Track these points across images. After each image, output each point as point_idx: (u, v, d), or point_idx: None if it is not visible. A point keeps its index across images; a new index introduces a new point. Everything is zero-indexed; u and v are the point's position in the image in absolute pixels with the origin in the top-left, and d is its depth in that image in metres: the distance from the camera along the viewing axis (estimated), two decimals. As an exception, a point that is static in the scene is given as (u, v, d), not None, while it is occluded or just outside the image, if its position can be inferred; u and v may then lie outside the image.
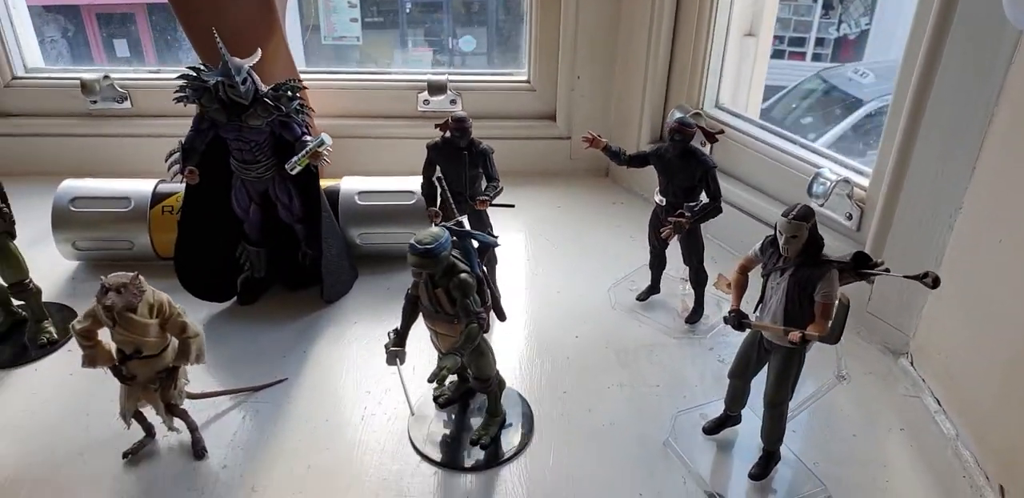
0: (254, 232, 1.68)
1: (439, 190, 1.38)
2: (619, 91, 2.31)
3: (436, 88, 2.31)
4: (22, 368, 1.52)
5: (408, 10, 4.21)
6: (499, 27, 3.48)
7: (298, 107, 1.52)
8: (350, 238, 1.83)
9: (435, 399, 1.42)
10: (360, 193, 1.83)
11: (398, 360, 1.24)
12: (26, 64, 2.40)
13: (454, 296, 1.18)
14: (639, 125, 2.26)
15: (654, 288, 1.74)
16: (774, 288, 1.17)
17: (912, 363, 1.56)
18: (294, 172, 1.49)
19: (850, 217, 1.69)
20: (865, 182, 1.68)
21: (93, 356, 1.21)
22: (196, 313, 1.66)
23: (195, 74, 1.50)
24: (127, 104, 2.35)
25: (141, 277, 1.18)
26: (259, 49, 1.53)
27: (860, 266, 1.17)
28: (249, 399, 1.44)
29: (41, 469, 1.27)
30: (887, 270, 1.16)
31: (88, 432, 1.35)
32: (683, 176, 1.53)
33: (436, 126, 1.60)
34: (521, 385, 1.48)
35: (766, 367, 1.25)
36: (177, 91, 1.51)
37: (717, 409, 1.37)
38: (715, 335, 1.65)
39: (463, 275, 1.18)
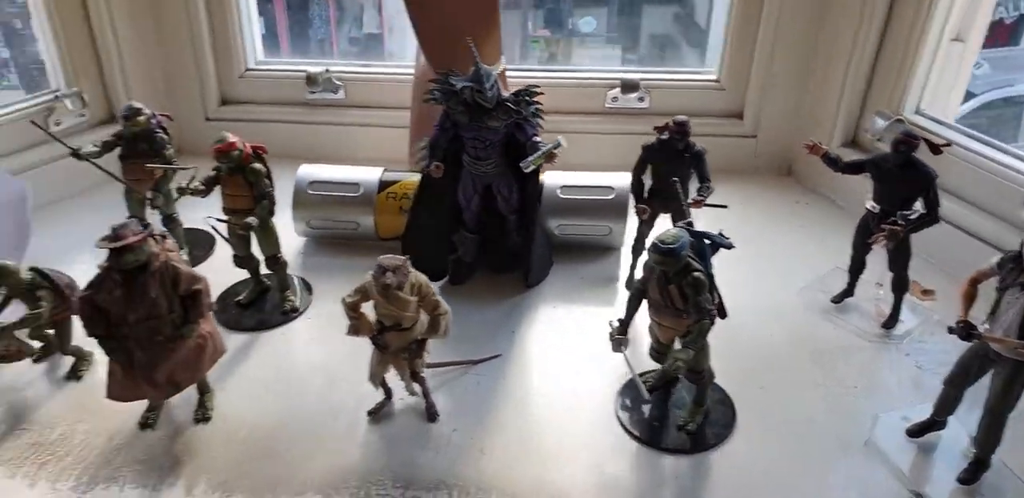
0: (472, 220, 1.84)
1: (678, 192, 1.48)
2: (814, 92, 2.31)
3: (629, 86, 2.40)
4: (268, 332, 1.74)
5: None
6: (620, 8, 3.48)
7: (535, 111, 1.65)
8: (548, 228, 1.96)
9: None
10: (562, 187, 1.96)
11: (623, 347, 1.36)
12: (257, 57, 2.67)
13: (687, 293, 1.27)
14: (832, 128, 2.25)
15: (849, 291, 1.77)
16: (1011, 303, 1.19)
17: None
18: (528, 170, 1.62)
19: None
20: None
21: (358, 326, 1.39)
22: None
23: (444, 79, 1.65)
24: (340, 94, 2.58)
25: (408, 261, 1.34)
26: (503, 57, 1.66)
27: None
28: (469, 371, 1.60)
29: (297, 422, 1.47)
30: None
31: (333, 391, 1.55)
32: (902, 186, 1.55)
33: (655, 128, 1.69)
34: (721, 379, 1.56)
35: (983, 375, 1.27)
36: (426, 93, 1.67)
37: (919, 414, 1.40)
38: (911, 341, 1.66)
39: (697, 273, 1.27)
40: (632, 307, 1.38)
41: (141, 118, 1.83)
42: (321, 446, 1.41)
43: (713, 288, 1.33)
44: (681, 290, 1.29)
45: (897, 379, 1.56)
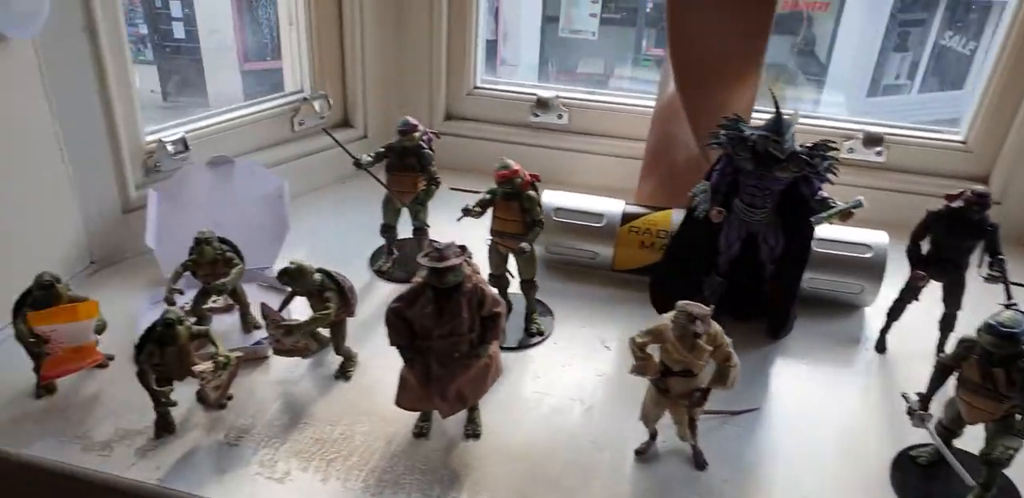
0: (725, 265, 1.82)
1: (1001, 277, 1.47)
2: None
3: (872, 140, 2.35)
4: (518, 352, 1.78)
5: (648, 9, 4.21)
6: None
7: (828, 166, 1.62)
8: (798, 281, 1.92)
9: (914, 458, 1.47)
10: (818, 239, 1.91)
11: (926, 423, 1.31)
12: (482, 76, 2.75)
13: (1015, 379, 1.22)
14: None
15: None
16: None
17: None
18: (819, 225, 1.59)
19: None
20: None
21: (644, 367, 1.40)
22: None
23: (733, 124, 1.64)
24: (565, 120, 2.62)
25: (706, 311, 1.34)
26: (796, 111, 1.63)
27: None
28: (728, 422, 1.58)
29: (565, 450, 1.49)
30: None
31: (591, 421, 1.56)
32: None
33: (946, 196, 1.63)
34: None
35: None
36: (711, 136, 1.67)
37: None
38: None
39: (1030, 361, 1.22)
40: (936, 383, 1.34)
41: (416, 134, 1.91)
42: (593, 478, 1.42)
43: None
44: (1008, 375, 1.23)
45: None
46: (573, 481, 1.42)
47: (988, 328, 1.21)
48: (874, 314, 1.90)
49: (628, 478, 1.43)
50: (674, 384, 1.40)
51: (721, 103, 1.98)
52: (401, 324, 1.40)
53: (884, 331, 1.81)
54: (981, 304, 1.73)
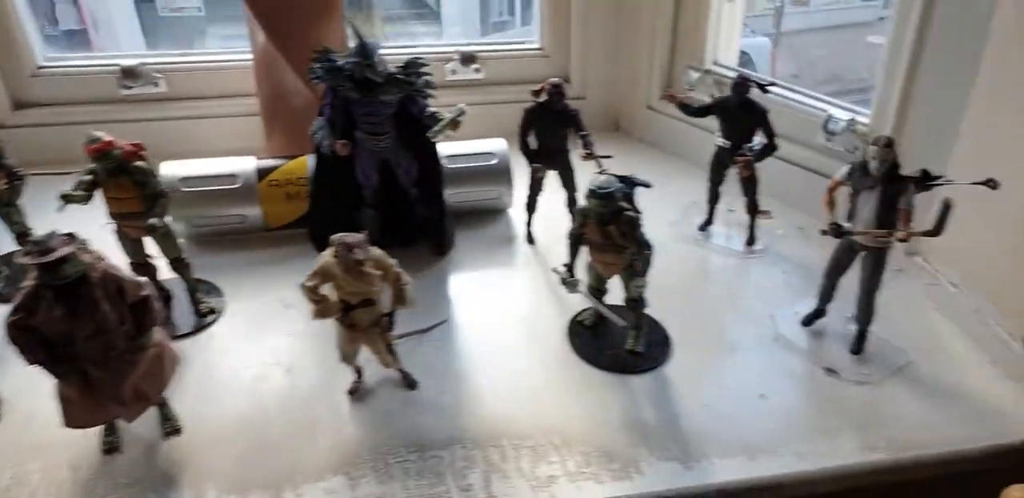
0: (372, 196, 1.86)
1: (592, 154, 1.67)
2: (627, 53, 2.59)
3: (468, 58, 2.51)
4: (190, 339, 1.65)
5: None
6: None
7: (426, 81, 1.70)
8: (441, 198, 2.03)
9: (580, 322, 1.68)
10: (448, 157, 2.03)
11: (578, 287, 1.50)
12: (44, 53, 2.38)
13: (624, 230, 1.45)
14: (648, 85, 2.55)
15: (711, 219, 2.07)
16: (865, 202, 1.50)
17: (926, 259, 1.96)
18: (436, 139, 1.68)
19: (854, 150, 2.05)
20: (866, 120, 2.05)
21: (324, 309, 1.39)
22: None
23: (325, 56, 1.64)
24: (163, 87, 2.40)
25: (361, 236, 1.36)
26: (379, 35, 1.69)
27: (926, 179, 1.52)
28: (423, 340, 1.65)
29: (281, 414, 1.45)
30: (950, 181, 1.51)
31: (295, 380, 1.53)
32: (744, 122, 1.84)
33: (532, 92, 1.82)
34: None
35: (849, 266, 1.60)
36: (309, 72, 1.65)
37: (804, 307, 1.71)
38: (770, 253, 1.99)
39: (630, 213, 1.45)
40: (573, 250, 1.54)
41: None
42: (317, 431, 1.41)
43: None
44: (620, 228, 1.46)
45: (772, 284, 1.87)
46: (298, 440, 1.39)
47: (590, 193, 1.42)
48: (517, 214, 2.10)
49: (349, 419, 1.44)
50: (359, 317, 1.41)
51: (314, 42, 1.96)
52: (29, 337, 1.20)
53: (528, 225, 2.01)
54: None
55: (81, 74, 2.37)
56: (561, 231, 1.95)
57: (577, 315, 1.71)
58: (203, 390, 1.50)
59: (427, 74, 1.71)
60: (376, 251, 1.40)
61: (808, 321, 1.70)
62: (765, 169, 2.21)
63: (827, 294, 1.67)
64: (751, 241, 2.01)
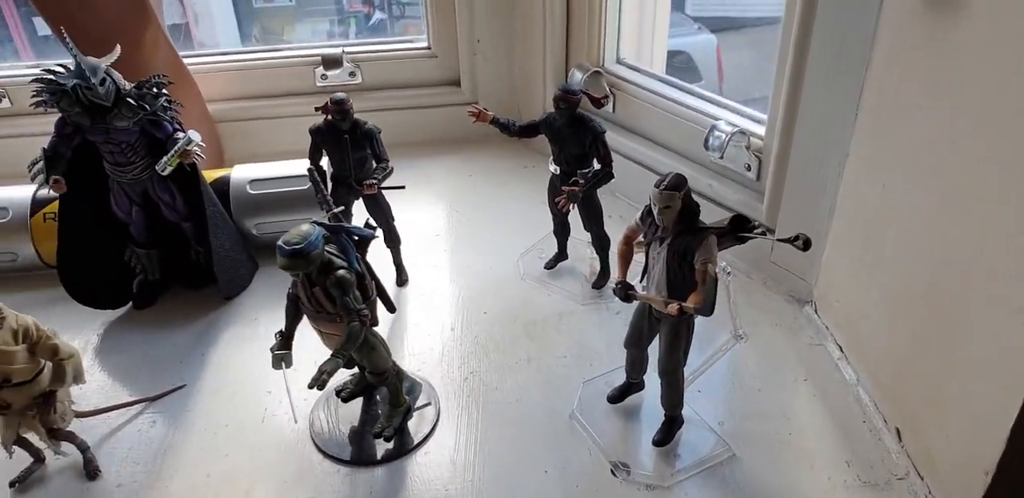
0: (141, 234, 1.61)
1: (316, 179, 1.33)
2: (520, 52, 2.25)
3: (331, 62, 2.22)
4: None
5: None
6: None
7: (165, 104, 1.44)
8: (246, 229, 1.77)
9: (337, 394, 1.39)
10: (252, 182, 1.77)
11: (283, 364, 1.21)
12: None
13: (333, 294, 1.14)
14: (543, 85, 2.20)
15: (561, 255, 1.72)
16: (655, 258, 1.15)
17: (816, 311, 1.57)
18: (165, 173, 1.42)
19: (749, 168, 1.67)
20: (761, 131, 1.66)
21: (-44, 388, 1.15)
22: (92, 322, 1.60)
23: (51, 76, 1.40)
24: (6, 103, 2.22)
25: (1, 304, 1.12)
26: (117, 46, 1.44)
27: (738, 230, 1.15)
28: (147, 410, 1.40)
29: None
30: (763, 233, 1.14)
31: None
32: (573, 143, 1.50)
33: (316, 109, 1.53)
34: (429, 369, 1.46)
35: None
36: (34, 95, 1.42)
37: (622, 376, 1.37)
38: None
39: (340, 272, 1.14)
40: (291, 317, 1.23)
41: None
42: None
43: (366, 284, 1.21)
44: (327, 292, 1.15)
45: (607, 341, 1.52)
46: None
47: (277, 248, 1.11)
48: (341, 245, 1.81)
49: (-3, 520, 1.20)
50: (9, 396, 1.16)
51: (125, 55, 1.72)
52: None
53: (341, 261, 1.72)
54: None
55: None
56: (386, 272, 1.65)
57: (337, 386, 1.41)
58: None
59: (164, 95, 1.45)
60: (24, 319, 1.15)
61: (616, 397, 1.36)
62: (642, 191, 1.86)
63: (635, 366, 1.31)
64: (599, 283, 1.66)
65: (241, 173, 1.78)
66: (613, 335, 1.54)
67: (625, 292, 1.17)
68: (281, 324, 1.53)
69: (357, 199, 1.61)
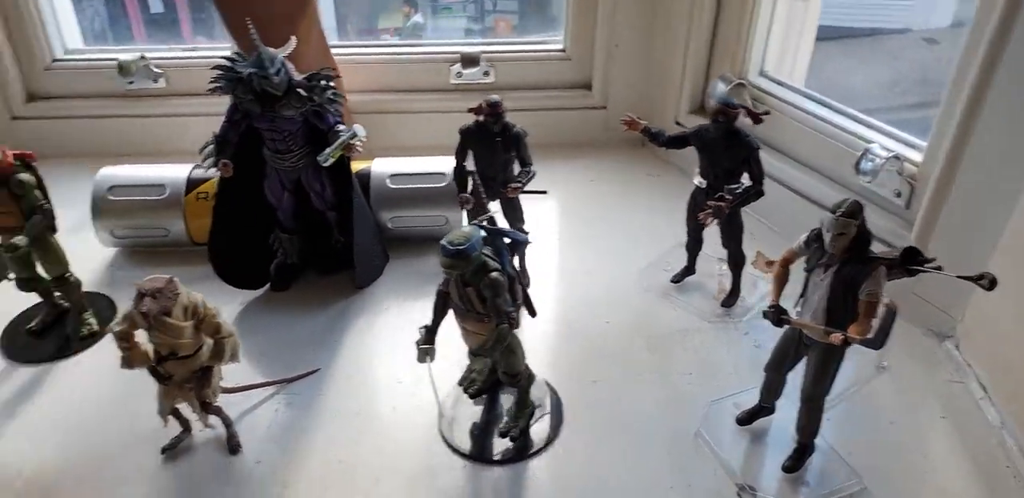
0: (287, 219, 1.68)
1: (472, 181, 1.36)
2: (658, 59, 2.23)
3: (469, 60, 2.26)
4: (64, 361, 1.55)
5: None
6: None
7: (331, 97, 1.50)
8: (381, 221, 1.82)
9: (465, 390, 1.42)
10: (391, 176, 1.82)
11: (428, 357, 1.24)
12: (65, 45, 2.40)
13: (485, 295, 1.17)
14: (679, 95, 2.17)
15: (689, 269, 1.70)
16: (817, 284, 1.13)
17: (958, 347, 1.50)
18: (326, 164, 1.47)
19: (899, 194, 1.61)
20: (918, 157, 1.59)
21: (131, 358, 1.23)
22: (231, 302, 1.68)
23: (229, 64, 1.48)
24: (162, 83, 2.35)
25: (176, 280, 1.19)
26: (293, 38, 1.51)
27: (909, 262, 1.11)
28: (282, 391, 1.46)
29: (84, 463, 1.32)
30: (939, 268, 1.10)
31: (131, 426, 1.38)
32: (726, 158, 1.47)
33: (469, 110, 1.56)
34: (551, 374, 1.47)
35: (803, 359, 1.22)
36: (211, 82, 1.50)
37: (751, 398, 1.35)
38: (751, 319, 1.61)
39: (494, 274, 1.16)
40: (437, 312, 1.26)
41: None
42: (107, 490, 1.26)
43: (515, 287, 1.22)
44: (479, 292, 1.18)
45: (734, 361, 1.50)
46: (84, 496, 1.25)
47: (440, 248, 1.14)
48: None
49: (148, 482, 1.28)
50: (172, 369, 1.24)
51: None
52: None
53: (469, 259, 1.75)
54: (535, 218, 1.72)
55: (89, 68, 2.36)
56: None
57: (463, 380, 1.44)
58: (35, 427, 1.40)
59: (331, 88, 1.50)
60: (194, 297, 1.22)
61: (745, 420, 1.33)
62: (779, 211, 1.82)
63: (771, 390, 1.29)
64: (729, 301, 1.63)
65: (382, 167, 1.84)
66: (740, 356, 1.52)
67: (778, 316, 1.15)
68: (410, 315, 1.59)
69: (495, 200, 1.63)
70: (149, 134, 2.36)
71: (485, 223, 1.24)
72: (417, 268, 1.80)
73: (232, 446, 1.33)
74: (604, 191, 2.12)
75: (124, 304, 1.66)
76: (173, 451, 1.33)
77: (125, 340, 1.23)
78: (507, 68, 2.34)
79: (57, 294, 1.63)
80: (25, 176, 1.48)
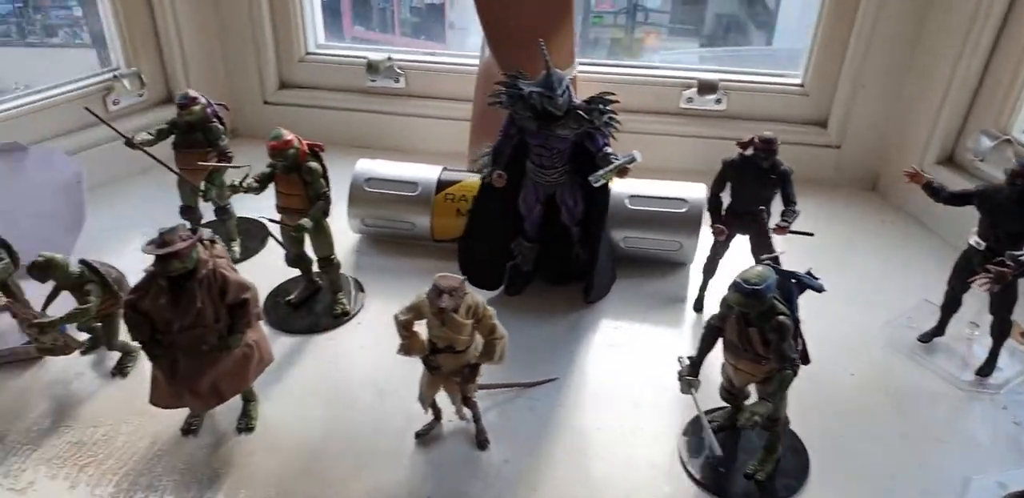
0: (533, 229, 1.74)
1: (762, 221, 1.38)
2: (908, 102, 2.14)
3: (707, 87, 2.26)
4: (318, 336, 1.67)
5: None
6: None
7: (608, 120, 1.53)
8: (614, 240, 1.84)
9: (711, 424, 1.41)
10: (631, 197, 1.84)
11: (692, 389, 1.25)
12: (317, 40, 2.58)
13: (769, 338, 1.16)
14: (926, 143, 2.08)
15: (939, 330, 1.63)
16: None
17: None
18: (597, 184, 1.50)
19: None
20: None
21: (409, 346, 1.31)
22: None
23: (513, 81, 1.54)
24: (402, 83, 2.48)
25: (465, 281, 1.25)
26: (575, 61, 1.55)
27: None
28: (522, 394, 1.50)
29: (343, 433, 1.41)
30: None
31: (381, 405, 1.48)
32: (1015, 222, 1.40)
33: (738, 144, 1.56)
34: (794, 423, 1.44)
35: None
36: (492, 96, 1.57)
37: (1018, 480, 1.27)
38: (1009, 392, 1.51)
39: (782, 318, 1.15)
40: (706, 345, 1.27)
41: (196, 107, 1.76)
42: (365, 465, 1.34)
43: (799, 333, 1.21)
44: (763, 334, 1.17)
45: (992, 435, 1.42)
46: (343, 471, 1.33)
47: (734, 286, 1.14)
48: (697, 271, 1.84)
49: (404, 463, 1.35)
50: (443, 361, 1.31)
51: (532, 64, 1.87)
52: (137, 318, 1.27)
53: (702, 289, 1.74)
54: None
55: (338, 63, 2.53)
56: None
57: (709, 412, 1.43)
58: (292, 394, 1.51)
59: (611, 112, 1.54)
60: (476, 298, 1.28)
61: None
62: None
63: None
64: (986, 370, 1.54)
65: (622, 187, 1.86)
66: (998, 431, 1.43)
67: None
68: (642, 336, 1.61)
69: (747, 233, 1.62)
70: (385, 130, 2.50)
71: (772, 263, 1.23)
72: (643, 289, 1.82)
73: (480, 441, 1.38)
74: (834, 235, 2.05)
75: (372, 286, 1.79)
76: (425, 437, 1.40)
77: (407, 329, 1.30)
78: (740, 97, 2.31)
79: (316, 272, 1.75)
80: (315, 165, 1.60)
